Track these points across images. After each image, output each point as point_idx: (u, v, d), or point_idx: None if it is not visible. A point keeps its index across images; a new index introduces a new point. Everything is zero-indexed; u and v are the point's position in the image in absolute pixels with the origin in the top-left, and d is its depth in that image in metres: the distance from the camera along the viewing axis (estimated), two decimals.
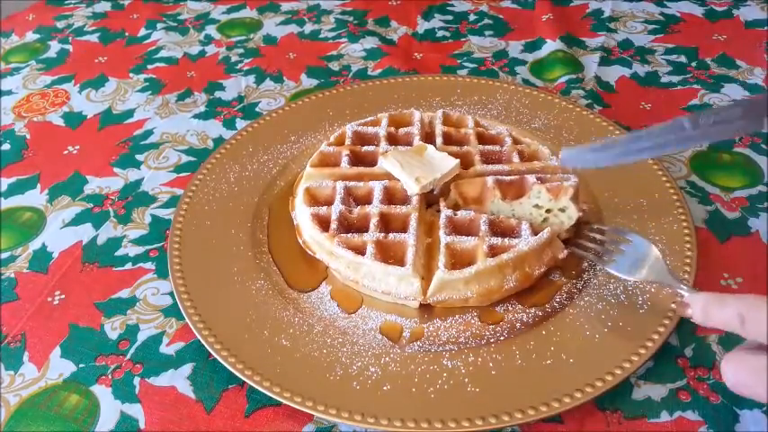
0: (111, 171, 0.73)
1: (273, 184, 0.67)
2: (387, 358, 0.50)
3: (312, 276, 0.58)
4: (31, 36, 1.00)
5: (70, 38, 0.99)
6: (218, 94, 0.84)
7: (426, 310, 0.55)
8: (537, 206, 0.58)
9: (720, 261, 0.58)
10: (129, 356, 0.53)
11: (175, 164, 0.73)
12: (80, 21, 1.04)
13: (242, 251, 0.60)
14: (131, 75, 0.89)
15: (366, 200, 0.60)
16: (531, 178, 0.58)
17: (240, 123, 0.78)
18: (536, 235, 0.55)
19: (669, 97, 0.79)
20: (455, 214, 0.57)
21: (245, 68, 0.89)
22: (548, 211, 0.58)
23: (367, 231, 0.56)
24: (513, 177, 0.59)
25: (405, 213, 0.57)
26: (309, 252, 0.59)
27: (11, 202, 0.69)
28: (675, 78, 0.83)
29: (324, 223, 0.58)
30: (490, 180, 0.58)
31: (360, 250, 0.55)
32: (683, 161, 0.69)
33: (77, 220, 0.67)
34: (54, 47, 0.97)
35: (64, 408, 0.50)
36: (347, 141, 0.65)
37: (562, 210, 0.57)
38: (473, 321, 0.54)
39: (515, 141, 0.65)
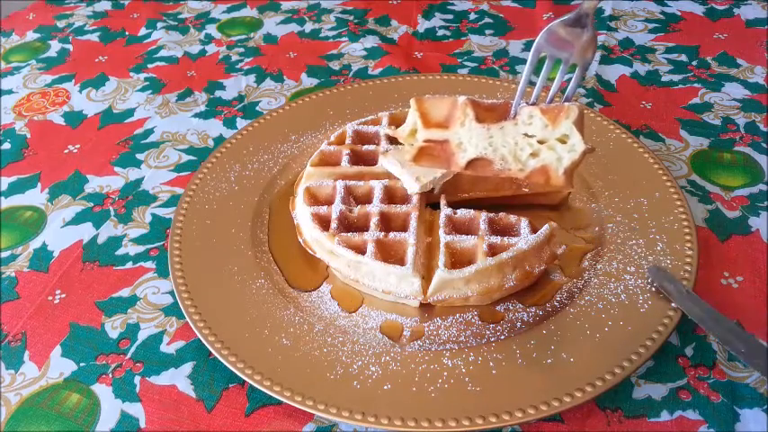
0: (112, 170, 0.73)
1: (274, 183, 0.67)
2: (387, 357, 0.50)
3: (312, 276, 0.58)
4: (31, 35, 1.00)
5: (70, 37, 0.99)
6: (218, 93, 0.84)
7: (427, 309, 0.55)
8: (527, 135, 0.44)
9: (721, 260, 0.58)
10: (129, 355, 0.53)
11: (176, 163, 0.73)
12: (80, 20, 1.04)
13: (242, 250, 0.60)
14: (132, 74, 0.89)
15: (366, 199, 0.60)
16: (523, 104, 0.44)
17: (240, 123, 0.78)
18: (535, 232, 0.55)
19: (670, 96, 0.79)
20: (455, 213, 0.57)
21: (246, 68, 0.89)
22: (541, 142, 0.44)
23: (367, 230, 0.56)
24: (494, 101, 0.45)
25: (405, 213, 0.57)
26: (310, 251, 0.59)
27: (11, 202, 0.69)
28: (676, 77, 0.82)
29: (324, 222, 0.58)
30: (462, 99, 0.46)
31: (360, 249, 0.55)
32: (683, 160, 0.69)
33: (78, 219, 0.67)
34: (54, 46, 0.97)
35: (64, 407, 0.50)
36: (347, 140, 0.65)
37: (562, 140, 0.44)
38: (473, 320, 0.54)
39: None
